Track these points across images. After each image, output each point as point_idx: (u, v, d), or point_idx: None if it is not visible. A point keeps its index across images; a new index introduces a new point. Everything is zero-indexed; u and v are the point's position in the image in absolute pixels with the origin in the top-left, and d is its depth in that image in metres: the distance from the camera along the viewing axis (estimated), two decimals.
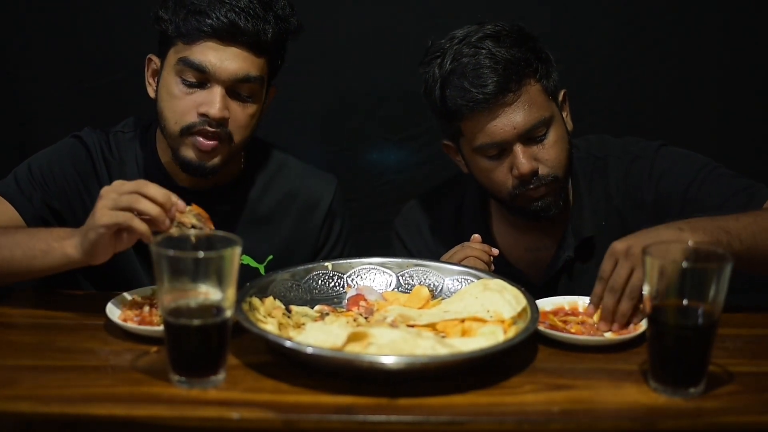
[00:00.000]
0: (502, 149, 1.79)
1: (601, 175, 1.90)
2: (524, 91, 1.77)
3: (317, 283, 1.64)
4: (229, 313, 1.31)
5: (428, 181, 2.33)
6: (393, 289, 1.65)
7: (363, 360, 1.30)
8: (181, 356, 1.32)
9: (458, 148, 1.89)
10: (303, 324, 1.49)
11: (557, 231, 1.91)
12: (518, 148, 1.77)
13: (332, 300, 1.62)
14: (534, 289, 1.79)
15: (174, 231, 1.45)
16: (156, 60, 1.83)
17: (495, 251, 1.81)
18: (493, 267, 1.77)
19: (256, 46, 1.75)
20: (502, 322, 1.45)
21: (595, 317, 1.53)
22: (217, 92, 1.73)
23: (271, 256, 1.91)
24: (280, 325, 1.45)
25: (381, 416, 1.24)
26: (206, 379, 1.31)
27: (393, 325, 1.45)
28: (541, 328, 1.47)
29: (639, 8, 2.45)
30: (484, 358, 1.34)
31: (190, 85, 1.74)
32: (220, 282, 1.29)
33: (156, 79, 1.82)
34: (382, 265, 1.67)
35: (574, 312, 1.58)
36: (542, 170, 1.79)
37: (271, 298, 1.54)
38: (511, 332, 1.42)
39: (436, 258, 1.82)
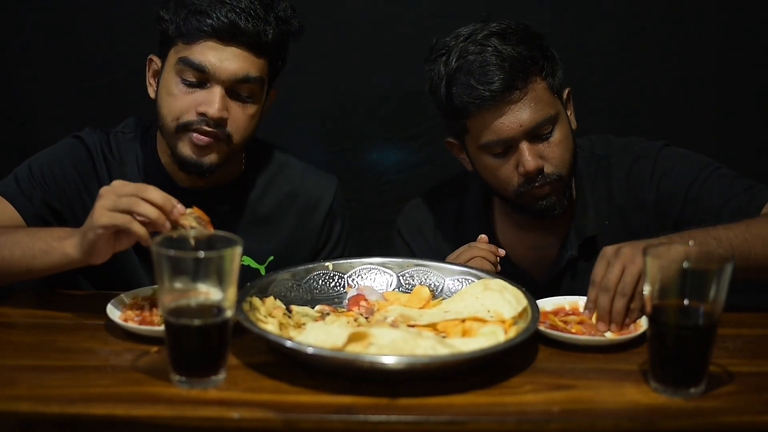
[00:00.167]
0: (507, 147, 1.79)
1: (604, 175, 1.90)
2: (530, 88, 1.77)
3: (318, 283, 1.64)
4: (229, 313, 1.31)
5: (428, 181, 2.33)
6: (393, 289, 1.65)
7: (363, 360, 1.30)
8: (181, 356, 1.32)
9: (463, 145, 1.89)
10: (303, 324, 1.49)
11: (560, 230, 1.92)
12: (524, 146, 1.78)
13: (333, 300, 1.62)
14: (537, 288, 1.80)
15: (173, 233, 1.45)
16: (157, 60, 1.83)
17: (501, 252, 1.81)
18: (499, 268, 1.78)
19: (256, 47, 1.75)
20: (503, 322, 1.45)
21: (593, 320, 1.53)
22: (216, 92, 1.73)
23: (271, 257, 1.91)
24: (281, 325, 1.45)
25: (381, 416, 1.24)
26: (207, 379, 1.31)
27: (393, 325, 1.45)
28: (542, 328, 1.47)
29: (639, 8, 2.46)
30: (485, 358, 1.34)
31: (190, 85, 1.74)
32: (221, 282, 1.29)
33: (157, 80, 1.82)
34: (382, 265, 1.67)
35: (574, 312, 1.58)
36: (547, 168, 1.79)
37: (271, 298, 1.54)
38: (512, 332, 1.42)
39: (439, 257, 1.82)
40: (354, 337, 1.35)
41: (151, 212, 1.44)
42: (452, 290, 1.62)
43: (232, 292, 1.30)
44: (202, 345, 1.31)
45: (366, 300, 1.61)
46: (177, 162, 1.79)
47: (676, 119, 2.49)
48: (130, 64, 2.08)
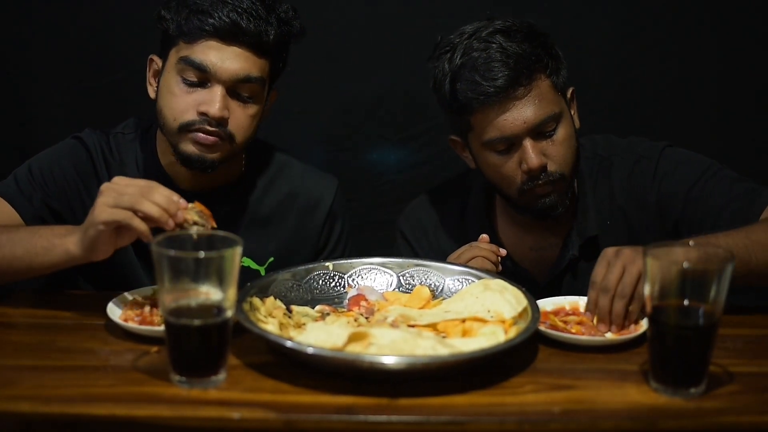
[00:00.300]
0: (511, 144, 1.79)
1: (606, 175, 1.90)
2: (535, 86, 1.77)
3: (318, 283, 1.64)
4: (229, 313, 1.31)
5: (428, 181, 2.34)
6: (394, 289, 1.65)
7: (364, 360, 1.30)
8: (181, 356, 1.32)
9: (466, 143, 1.89)
10: (304, 324, 1.49)
11: (562, 230, 1.92)
12: (528, 143, 1.77)
13: (333, 300, 1.62)
14: (538, 288, 1.80)
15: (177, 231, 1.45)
16: (158, 60, 1.83)
17: (503, 251, 1.81)
18: (500, 267, 1.78)
19: (257, 47, 1.75)
20: (503, 322, 1.45)
21: (594, 321, 1.53)
22: (217, 92, 1.73)
23: (271, 259, 1.90)
24: (281, 325, 1.45)
25: (381, 416, 1.24)
26: (207, 379, 1.31)
27: (394, 325, 1.45)
28: (542, 328, 1.47)
29: (639, 8, 2.46)
30: (485, 358, 1.34)
31: (191, 84, 1.74)
32: (221, 282, 1.29)
33: (157, 80, 1.82)
34: (382, 265, 1.67)
35: (575, 312, 1.58)
36: (551, 166, 1.79)
37: (271, 298, 1.54)
38: (512, 332, 1.42)
39: (441, 257, 1.82)
40: (354, 337, 1.35)
41: (154, 211, 1.44)
42: (452, 290, 1.62)
43: (232, 292, 1.30)
44: (203, 345, 1.31)
45: (366, 300, 1.61)
46: (180, 159, 1.78)
47: (676, 119, 2.49)
48: (130, 64, 2.08)
